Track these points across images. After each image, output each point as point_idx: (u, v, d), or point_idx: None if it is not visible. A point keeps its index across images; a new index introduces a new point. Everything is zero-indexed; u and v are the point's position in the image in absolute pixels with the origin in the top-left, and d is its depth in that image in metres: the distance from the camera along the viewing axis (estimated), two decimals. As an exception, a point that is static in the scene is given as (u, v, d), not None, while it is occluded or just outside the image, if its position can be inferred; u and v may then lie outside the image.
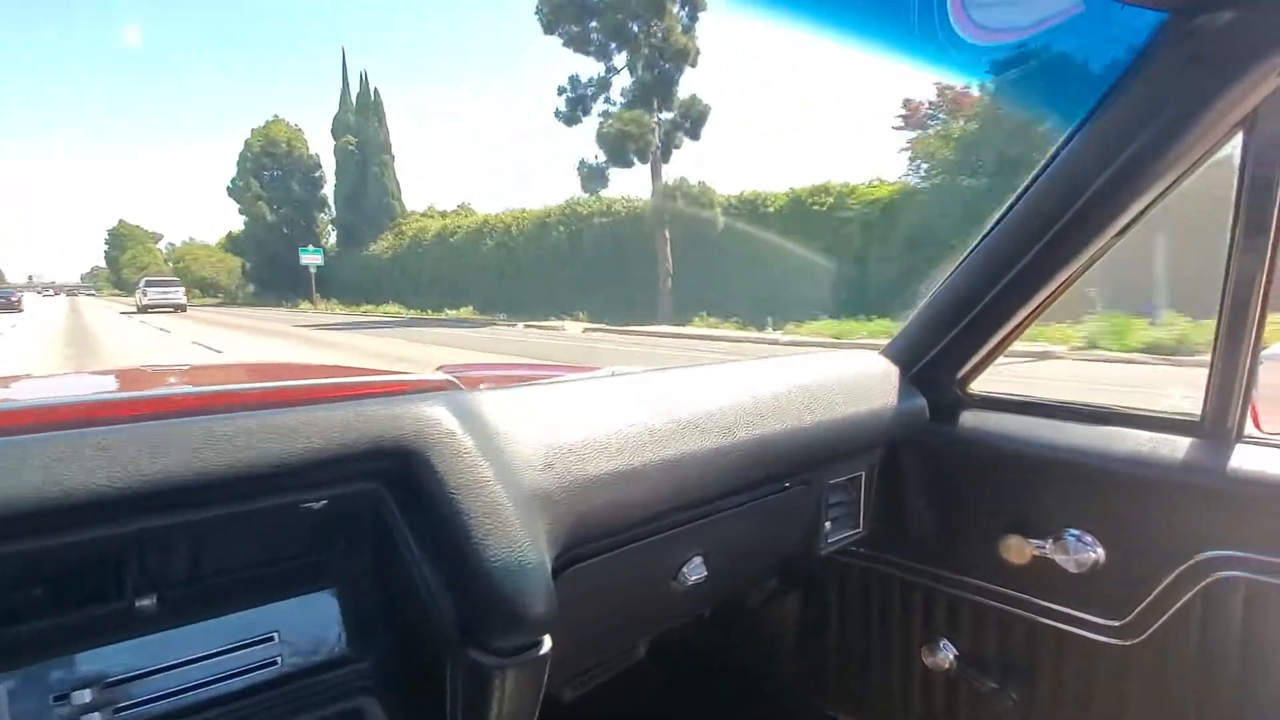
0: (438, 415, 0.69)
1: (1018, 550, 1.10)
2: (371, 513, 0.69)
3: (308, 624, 0.71)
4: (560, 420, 0.79)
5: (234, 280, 36.61)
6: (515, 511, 0.67)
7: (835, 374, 1.13)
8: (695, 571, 0.95)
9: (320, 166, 33.03)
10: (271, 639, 0.69)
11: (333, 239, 32.41)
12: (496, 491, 0.67)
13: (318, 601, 0.73)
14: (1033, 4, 0.95)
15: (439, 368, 2.15)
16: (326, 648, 0.72)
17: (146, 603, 0.63)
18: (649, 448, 0.83)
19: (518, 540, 0.66)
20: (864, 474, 1.21)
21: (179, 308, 26.89)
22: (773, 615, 1.48)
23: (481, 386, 1.14)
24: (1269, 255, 0.89)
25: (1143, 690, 1.03)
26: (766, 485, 1.03)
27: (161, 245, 55.20)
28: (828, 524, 1.16)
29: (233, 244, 36.34)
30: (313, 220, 33.03)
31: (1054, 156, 0.98)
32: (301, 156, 33.00)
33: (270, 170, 32.63)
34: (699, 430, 0.88)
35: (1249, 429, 0.96)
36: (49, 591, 0.60)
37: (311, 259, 28.75)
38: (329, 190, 32.43)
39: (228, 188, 32.97)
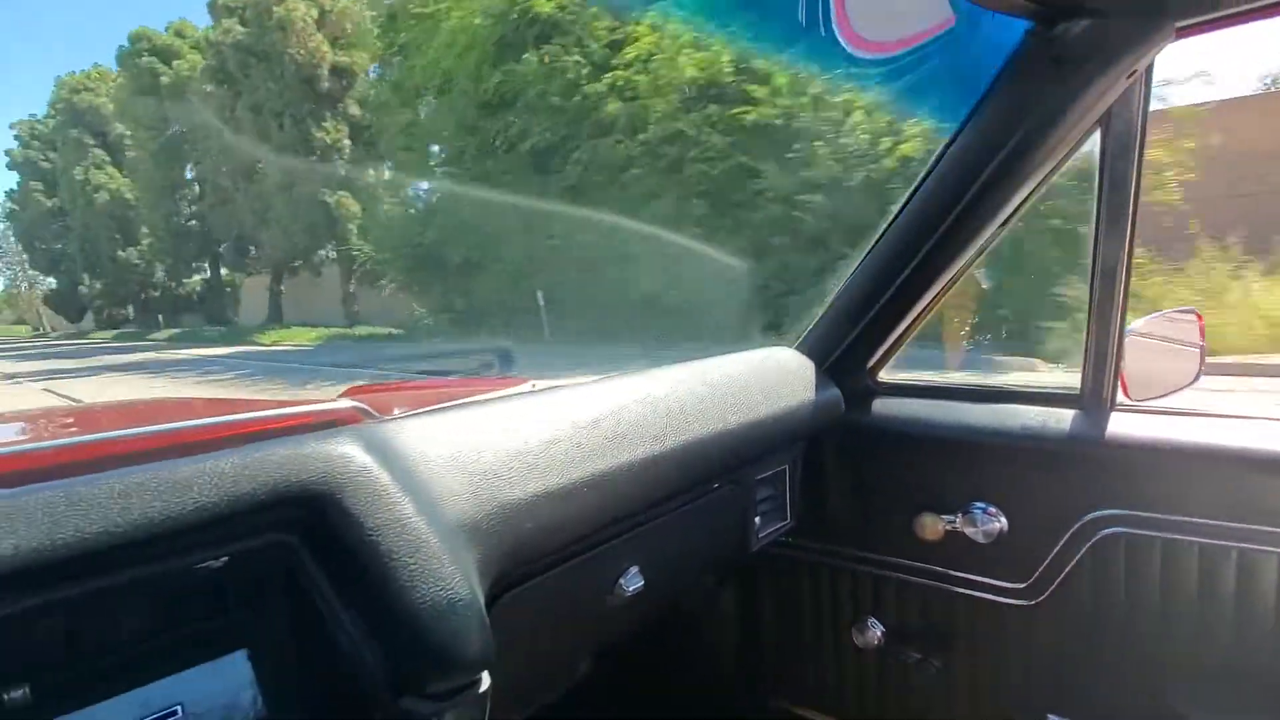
0: (348, 453, 0.63)
1: (931, 527, 1.17)
2: (282, 564, 0.63)
3: (217, 692, 0.64)
4: (482, 444, 0.75)
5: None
6: (442, 547, 0.63)
7: (753, 373, 1.15)
8: (633, 583, 0.94)
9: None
10: (174, 713, 0.61)
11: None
12: (419, 528, 0.62)
13: (227, 666, 0.65)
14: (911, 16, 1.02)
15: (345, 392, 2.00)
16: (240, 713, 0.65)
17: (16, 694, 0.54)
18: (577, 465, 0.80)
19: (447, 577, 0.62)
20: (788, 467, 1.24)
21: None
22: (710, 614, 1.49)
23: (396, 412, 1.08)
24: (1128, 240, 0.99)
25: (1047, 643, 1.12)
26: (696, 489, 1.03)
27: None
28: (757, 519, 1.19)
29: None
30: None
31: (940, 156, 1.05)
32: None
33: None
34: (627, 442, 0.87)
35: (1120, 398, 1.07)
36: None
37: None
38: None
39: None
